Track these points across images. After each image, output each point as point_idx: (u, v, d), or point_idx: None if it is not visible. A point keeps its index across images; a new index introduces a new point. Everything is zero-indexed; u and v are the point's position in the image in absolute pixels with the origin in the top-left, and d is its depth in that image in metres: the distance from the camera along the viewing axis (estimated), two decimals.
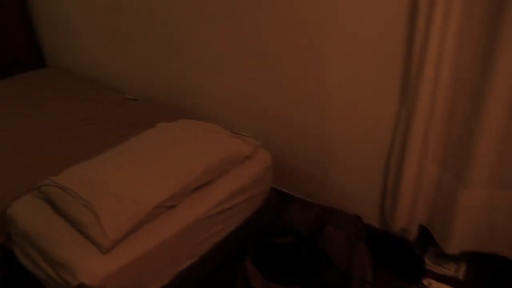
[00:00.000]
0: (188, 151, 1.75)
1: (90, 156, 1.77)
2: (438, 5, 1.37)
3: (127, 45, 2.63)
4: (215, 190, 1.72)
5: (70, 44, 3.07)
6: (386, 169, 1.84)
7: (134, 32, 2.52)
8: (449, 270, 1.77)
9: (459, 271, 1.76)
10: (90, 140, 2.07)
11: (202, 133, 1.90)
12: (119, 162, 1.68)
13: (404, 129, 1.65)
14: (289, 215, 1.90)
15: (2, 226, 1.64)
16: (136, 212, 1.46)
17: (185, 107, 2.50)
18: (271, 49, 1.95)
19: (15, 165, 1.89)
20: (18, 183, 1.72)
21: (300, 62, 1.88)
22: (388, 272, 1.78)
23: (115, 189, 1.52)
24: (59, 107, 2.44)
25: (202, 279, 1.73)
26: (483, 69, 1.41)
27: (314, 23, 1.75)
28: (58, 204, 1.52)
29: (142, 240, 1.47)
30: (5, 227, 1.63)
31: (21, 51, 3.21)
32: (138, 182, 1.57)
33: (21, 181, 1.73)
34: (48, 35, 3.24)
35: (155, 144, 1.80)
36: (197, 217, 1.60)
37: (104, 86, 2.84)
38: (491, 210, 1.60)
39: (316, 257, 1.62)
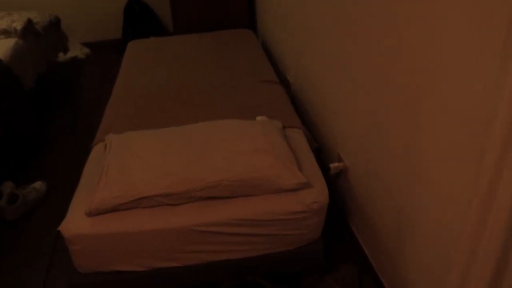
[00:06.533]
0: (227, 159, 1.60)
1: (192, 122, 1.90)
2: None
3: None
4: (229, 209, 1.54)
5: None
6: None
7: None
8: None
9: None
10: (212, 106, 2.18)
11: (266, 145, 1.67)
12: (165, 142, 1.70)
13: None
14: None
15: None
16: (128, 195, 1.49)
17: None
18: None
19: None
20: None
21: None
22: None
23: (132, 166, 1.58)
24: (221, 69, 2.63)
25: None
26: None
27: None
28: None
29: (127, 220, 1.50)
30: None
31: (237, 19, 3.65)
32: (156, 169, 1.56)
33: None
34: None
35: (210, 138, 1.72)
36: (187, 226, 1.50)
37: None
38: None
39: None
